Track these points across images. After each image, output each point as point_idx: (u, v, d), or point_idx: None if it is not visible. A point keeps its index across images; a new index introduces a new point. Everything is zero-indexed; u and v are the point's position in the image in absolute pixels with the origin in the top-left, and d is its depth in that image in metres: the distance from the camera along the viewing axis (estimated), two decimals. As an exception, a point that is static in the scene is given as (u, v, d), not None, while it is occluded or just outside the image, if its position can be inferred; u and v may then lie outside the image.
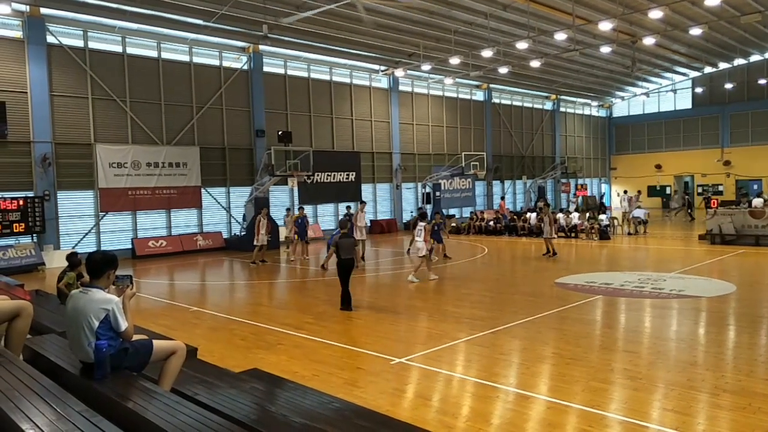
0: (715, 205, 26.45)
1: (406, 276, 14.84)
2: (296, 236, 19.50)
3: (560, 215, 26.12)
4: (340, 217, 20.56)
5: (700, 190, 44.15)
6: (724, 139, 42.92)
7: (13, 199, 18.49)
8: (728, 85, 40.39)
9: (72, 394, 3.58)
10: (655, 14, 22.31)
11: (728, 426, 5.43)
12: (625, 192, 28.41)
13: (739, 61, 39.42)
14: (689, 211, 34.14)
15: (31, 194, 19.24)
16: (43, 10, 19.46)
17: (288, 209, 22.77)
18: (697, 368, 7.12)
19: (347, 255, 10.93)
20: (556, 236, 18.06)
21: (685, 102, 44.61)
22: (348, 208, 24.07)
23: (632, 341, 8.59)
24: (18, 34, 19.38)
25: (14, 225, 18.44)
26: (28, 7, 19.05)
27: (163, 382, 4.54)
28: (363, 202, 21.20)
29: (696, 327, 9.56)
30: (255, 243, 18.86)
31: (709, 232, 21.03)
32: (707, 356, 7.70)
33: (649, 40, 26.94)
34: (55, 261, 18.21)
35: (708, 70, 40.93)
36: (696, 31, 26.14)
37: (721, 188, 42.39)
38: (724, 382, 6.54)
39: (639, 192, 28.92)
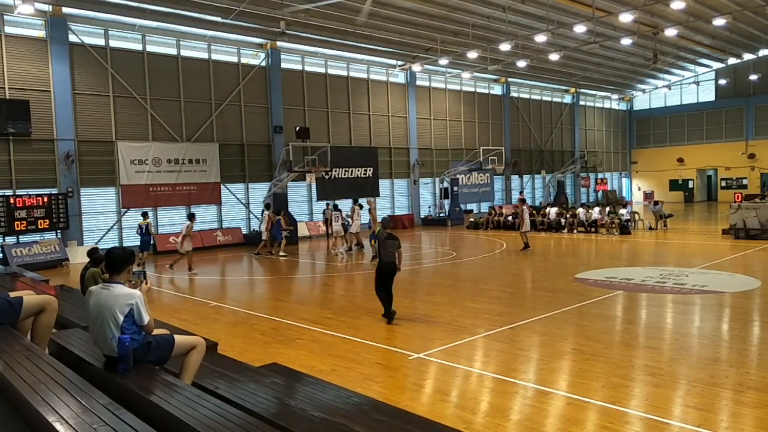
0: (739, 199, 25.94)
1: (422, 270, 14.84)
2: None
3: (580, 210, 25.90)
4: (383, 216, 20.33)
5: (723, 183, 43.38)
6: (749, 131, 42.06)
7: (37, 196, 18.85)
8: (753, 77, 39.56)
9: (96, 387, 3.64)
10: (678, 5, 21.90)
11: (752, 423, 5.34)
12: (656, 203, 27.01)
13: (764, 52, 38.55)
14: None
15: (55, 191, 19.60)
16: (65, 10, 19.75)
17: (267, 206, 22.28)
18: (720, 365, 7.01)
19: (389, 259, 9.74)
20: (528, 230, 19.36)
21: (708, 94, 43.80)
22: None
23: (654, 337, 8.49)
24: (41, 33, 19.71)
25: (39, 221, 18.81)
26: (50, 6, 19.36)
27: (184, 376, 4.60)
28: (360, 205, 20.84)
29: (719, 323, 9.41)
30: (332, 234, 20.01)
31: (733, 226, 20.65)
32: (731, 353, 7.58)
33: (671, 32, 26.48)
34: (79, 257, 18.52)
35: (732, 61, 40.12)
36: (719, 22, 25.64)
37: (745, 182, 41.59)
38: (748, 379, 6.43)
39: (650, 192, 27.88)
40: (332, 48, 26.95)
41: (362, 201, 20.97)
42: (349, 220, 20.32)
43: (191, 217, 17.68)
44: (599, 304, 10.73)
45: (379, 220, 17.16)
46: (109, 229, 21.39)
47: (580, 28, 24.43)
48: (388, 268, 9.73)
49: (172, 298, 12.98)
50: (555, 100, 41.39)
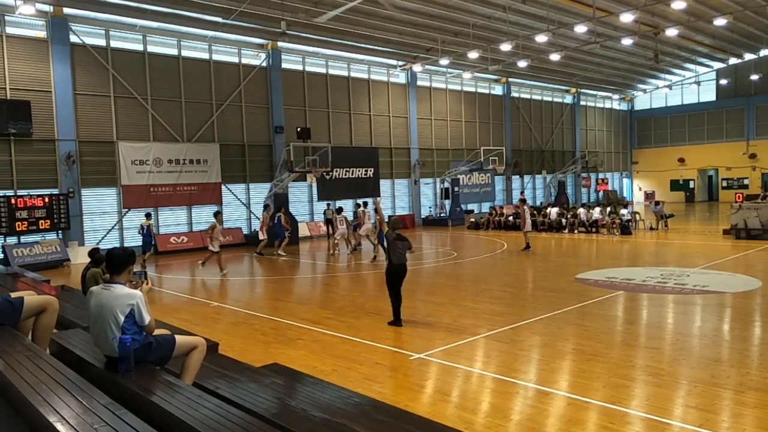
0: (740, 200, 25.92)
1: (422, 271, 14.83)
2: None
3: (581, 210, 25.90)
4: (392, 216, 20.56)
5: (724, 184, 43.35)
6: (750, 131, 42.03)
7: (38, 196, 18.86)
8: (754, 77, 39.51)
9: (97, 387, 3.64)
10: (678, 5, 21.87)
11: (753, 423, 5.34)
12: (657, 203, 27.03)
13: (765, 52, 38.52)
14: None
15: (56, 191, 19.61)
16: (66, 10, 19.76)
17: (266, 206, 22.75)
18: (721, 365, 7.01)
19: (399, 261, 9.55)
20: (531, 230, 19.65)
21: (709, 94, 43.76)
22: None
23: (654, 337, 8.49)
24: (42, 34, 19.73)
25: (40, 222, 18.82)
26: (51, 7, 19.37)
27: (184, 377, 4.61)
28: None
29: (720, 323, 9.41)
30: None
31: (734, 226, 20.64)
32: (732, 353, 7.57)
33: (672, 32, 26.45)
34: (80, 257, 18.52)
35: (733, 61, 40.08)
36: (720, 22, 25.61)
37: (746, 182, 41.56)
38: (749, 379, 6.43)
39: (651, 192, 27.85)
40: (333, 48, 26.95)
41: (365, 201, 20.96)
42: (355, 226, 20.32)
43: (216, 214, 17.22)
44: (600, 304, 10.73)
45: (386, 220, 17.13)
46: (110, 230, 21.40)
47: (580, 28, 24.41)
48: (398, 270, 9.55)
49: (172, 299, 12.98)
50: (556, 100, 41.37)
